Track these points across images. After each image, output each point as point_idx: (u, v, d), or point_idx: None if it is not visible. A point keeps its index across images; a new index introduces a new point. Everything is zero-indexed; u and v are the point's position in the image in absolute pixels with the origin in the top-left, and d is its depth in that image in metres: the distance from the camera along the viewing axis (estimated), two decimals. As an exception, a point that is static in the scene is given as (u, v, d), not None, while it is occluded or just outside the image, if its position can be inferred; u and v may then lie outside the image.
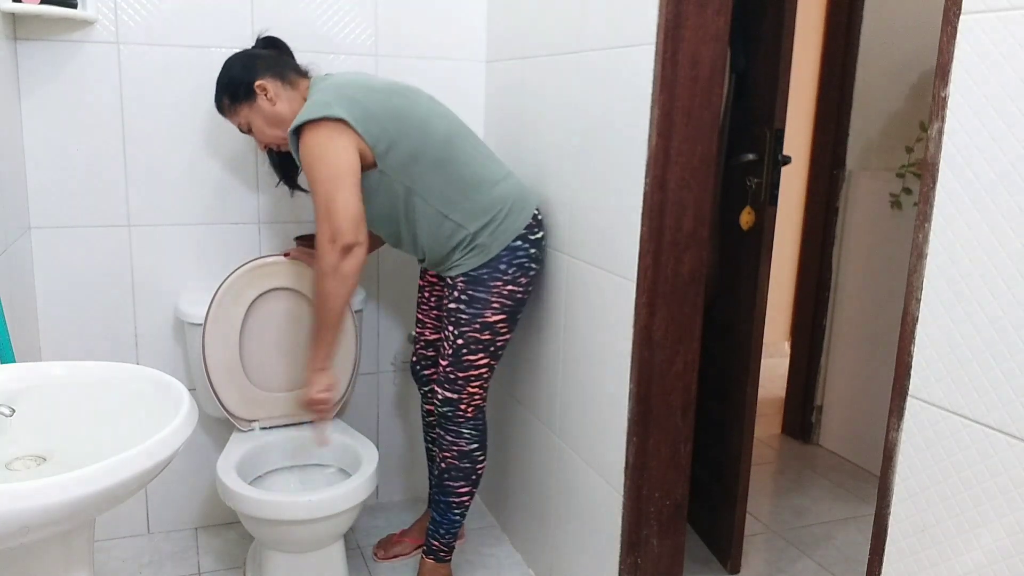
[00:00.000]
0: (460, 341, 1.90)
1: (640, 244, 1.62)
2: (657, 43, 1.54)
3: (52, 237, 2.09)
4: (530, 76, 2.08)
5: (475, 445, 2.00)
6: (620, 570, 1.76)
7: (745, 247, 2.13)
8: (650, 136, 1.57)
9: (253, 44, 1.96)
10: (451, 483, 2.01)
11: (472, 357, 1.91)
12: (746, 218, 2.08)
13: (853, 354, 2.97)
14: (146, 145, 2.12)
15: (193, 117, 2.14)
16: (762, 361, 2.18)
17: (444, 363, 1.94)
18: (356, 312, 2.21)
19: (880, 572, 1.16)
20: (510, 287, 1.87)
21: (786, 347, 3.80)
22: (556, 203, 1.95)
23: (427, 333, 2.15)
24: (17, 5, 1.83)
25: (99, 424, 1.29)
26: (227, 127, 2.17)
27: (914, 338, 1.08)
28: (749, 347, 2.13)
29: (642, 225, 1.61)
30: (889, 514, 1.13)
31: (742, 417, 2.16)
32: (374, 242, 2.07)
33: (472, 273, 1.86)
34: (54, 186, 2.07)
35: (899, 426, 1.11)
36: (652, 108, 1.56)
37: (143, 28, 2.06)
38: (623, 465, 1.72)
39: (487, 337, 1.90)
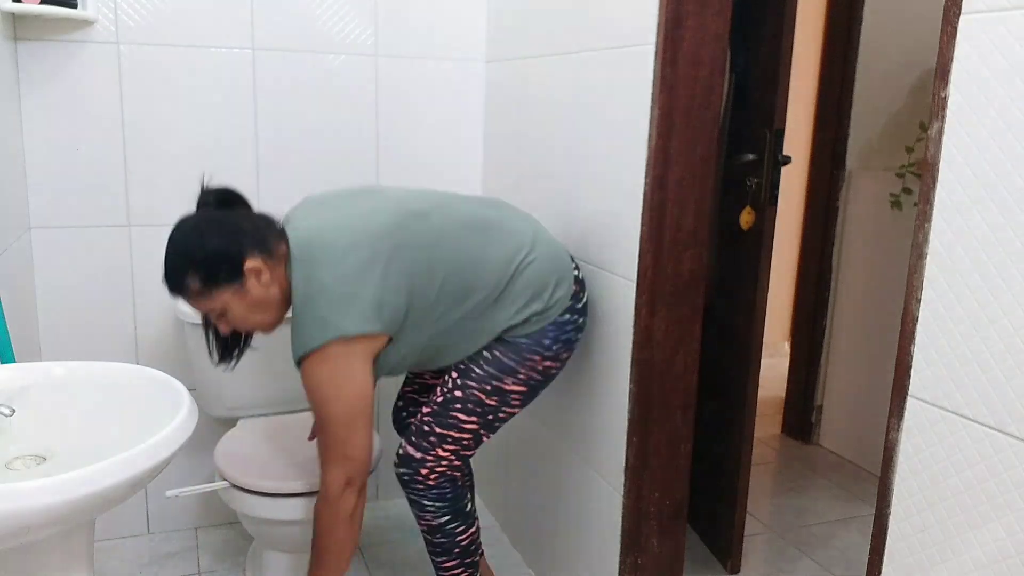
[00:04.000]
0: (459, 393, 1.59)
1: (640, 244, 1.62)
2: (657, 43, 1.54)
3: (52, 237, 2.09)
4: (530, 76, 2.08)
5: (446, 517, 1.67)
6: (620, 570, 1.75)
7: (745, 247, 2.13)
8: (650, 136, 1.57)
9: (198, 201, 1.59)
10: (435, 558, 1.74)
11: (462, 416, 1.60)
12: (746, 218, 2.08)
13: (853, 354, 2.97)
14: (146, 145, 2.12)
15: (193, 117, 2.14)
16: (762, 361, 2.18)
17: (426, 410, 1.63)
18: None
19: (880, 572, 1.16)
20: (548, 363, 1.60)
21: (786, 347, 3.79)
22: (556, 203, 1.95)
23: (427, 377, 1.90)
24: (17, 5, 1.83)
25: (99, 424, 1.29)
26: (227, 127, 2.18)
27: (914, 338, 1.08)
28: (749, 347, 2.13)
29: (642, 225, 1.61)
30: (889, 514, 1.13)
31: (742, 417, 2.16)
32: None
33: (508, 339, 1.58)
34: (54, 186, 2.07)
35: (899, 426, 1.11)
36: (652, 108, 1.56)
37: (143, 28, 2.06)
38: (623, 465, 1.72)
39: (492, 403, 1.60)
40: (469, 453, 1.65)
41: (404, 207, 1.57)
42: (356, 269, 1.45)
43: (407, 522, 2.45)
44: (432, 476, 1.62)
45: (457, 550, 1.71)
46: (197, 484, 2.00)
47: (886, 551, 1.14)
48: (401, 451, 1.65)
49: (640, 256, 1.62)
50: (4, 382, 1.28)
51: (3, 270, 1.75)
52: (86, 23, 2.01)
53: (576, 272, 1.67)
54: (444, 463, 1.62)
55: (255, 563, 2.06)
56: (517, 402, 1.61)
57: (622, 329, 1.69)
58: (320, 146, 2.27)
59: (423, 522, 1.68)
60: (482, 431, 1.62)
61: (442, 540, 1.69)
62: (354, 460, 1.47)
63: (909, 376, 1.09)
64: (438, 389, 1.63)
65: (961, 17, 0.99)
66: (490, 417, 1.61)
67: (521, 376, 1.58)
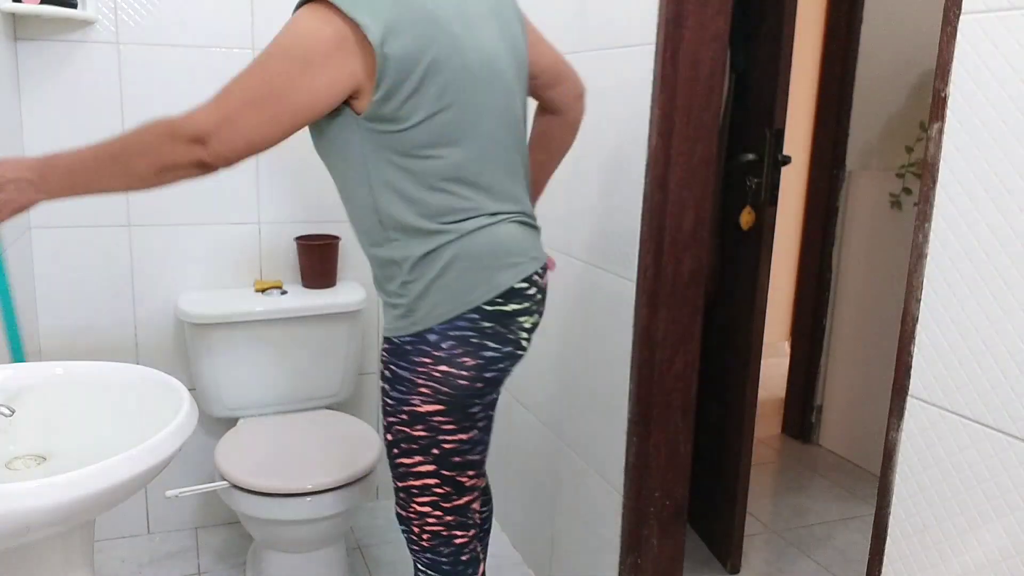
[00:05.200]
0: (389, 436, 1.36)
1: (640, 244, 1.62)
2: (657, 43, 1.54)
3: (52, 237, 2.09)
4: (530, 76, 2.08)
5: None
6: (620, 570, 1.75)
7: (745, 247, 2.13)
8: (650, 136, 1.57)
9: None
10: None
11: (407, 461, 1.35)
12: (746, 218, 2.08)
13: (853, 354, 2.97)
14: (146, 145, 2.12)
15: (193, 117, 2.14)
16: (762, 361, 2.18)
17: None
18: (355, 312, 2.21)
19: (880, 572, 1.16)
20: (444, 367, 1.28)
21: (786, 347, 3.79)
22: (556, 203, 1.95)
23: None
24: (17, 5, 1.83)
25: (99, 424, 1.29)
26: (227, 127, 2.17)
27: (914, 338, 1.08)
28: (749, 347, 2.13)
29: (642, 225, 1.61)
30: (889, 514, 1.13)
31: (742, 417, 2.16)
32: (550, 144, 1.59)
33: (394, 340, 1.31)
34: (54, 186, 2.06)
35: (899, 426, 1.11)
36: (652, 108, 1.56)
37: (143, 28, 2.06)
38: (623, 465, 1.72)
39: (423, 434, 1.31)
40: (457, 502, 1.38)
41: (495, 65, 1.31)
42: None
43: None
44: (425, 536, 1.40)
45: None
46: (197, 484, 2.01)
47: (886, 551, 1.14)
48: (395, 512, 1.47)
49: (640, 256, 1.62)
50: (4, 382, 1.28)
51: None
52: (86, 23, 2.01)
53: (515, 277, 1.32)
54: (430, 520, 1.39)
55: (255, 563, 2.06)
56: (450, 427, 1.31)
57: (622, 329, 1.69)
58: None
59: None
60: (445, 471, 1.34)
61: None
62: (228, 130, 1.19)
63: (909, 376, 1.09)
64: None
65: (961, 17, 0.99)
66: (436, 452, 1.33)
67: (424, 391, 1.29)
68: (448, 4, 1.25)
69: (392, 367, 1.31)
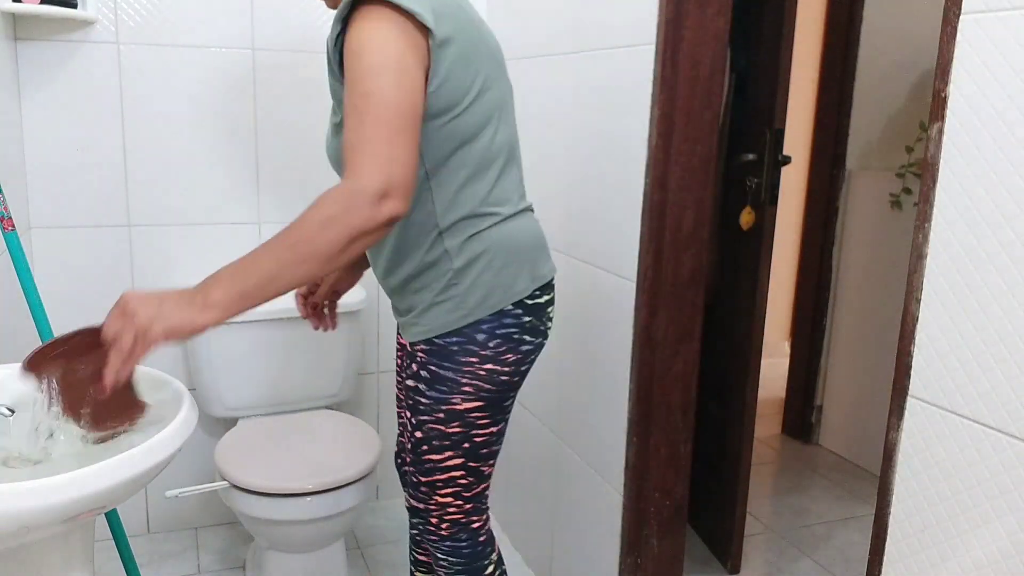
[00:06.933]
0: (419, 434, 1.37)
1: (640, 244, 1.62)
2: (657, 43, 1.54)
3: (52, 237, 2.09)
4: (529, 76, 2.08)
5: None
6: (620, 570, 1.75)
7: (745, 247, 2.13)
8: (650, 136, 1.57)
9: None
10: None
11: (436, 457, 1.38)
12: (746, 218, 2.08)
13: (853, 354, 2.97)
14: (146, 145, 2.12)
15: (193, 117, 2.14)
16: (762, 361, 2.19)
17: (409, 459, 1.43)
18: (356, 312, 2.21)
19: (880, 572, 1.16)
20: (489, 365, 1.32)
21: (786, 347, 3.80)
22: (556, 203, 1.95)
23: (407, 414, 1.53)
24: (17, 5, 1.83)
25: (99, 424, 1.29)
26: (227, 127, 2.17)
27: (914, 338, 1.08)
28: (749, 347, 2.13)
29: (642, 225, 1.61)
30: (889, 514, 1.13)
31: (742, 417, 2.16)
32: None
33: (437, 342, 1.32)
34: (54, 186, 2.07)
35: (899, 426, 1.11)
36: (652, 108, 1.56)
37: (143, 28, 2.06)
38: (623, 465, 1.72)
39: (457, 430, 1.35)
40: (476, 490, 1.43)
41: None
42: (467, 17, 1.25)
43: (407, 522, 2.45)
44: (444, 525, 1.43)
45: None
46: (197, 484, 2.01)
47: (886, 551, 1.14)
48: (406, 503, 1.49)
49: (640, 256, 1.62)
50: (4, 382, 1.28)
51: (3, 270, 1.75)
52: (86, 23, 2.01)
53: (551, 270, 1.41)
54: (451, 509, 1.42)
55: (255, 563, 2.06)
56: (485, 421, 1.36)
57: (622, 329, 1.69)
58: (321, 146, 2.27)
59: None
60: (472, 463, 1.39)
61: None
62: (398, 169, 1.11)
63: (909, 376, 1.09)
64: (405, 433, 1.44)
65: (961, 17, 0.99)
66: (466, 446, 1.37)
67: (467, 389, 1.32)
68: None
69: (432, 368, 1.33)
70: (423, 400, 1.35)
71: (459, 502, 1.42)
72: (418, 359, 1.35)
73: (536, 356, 1.40)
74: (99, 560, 2.21)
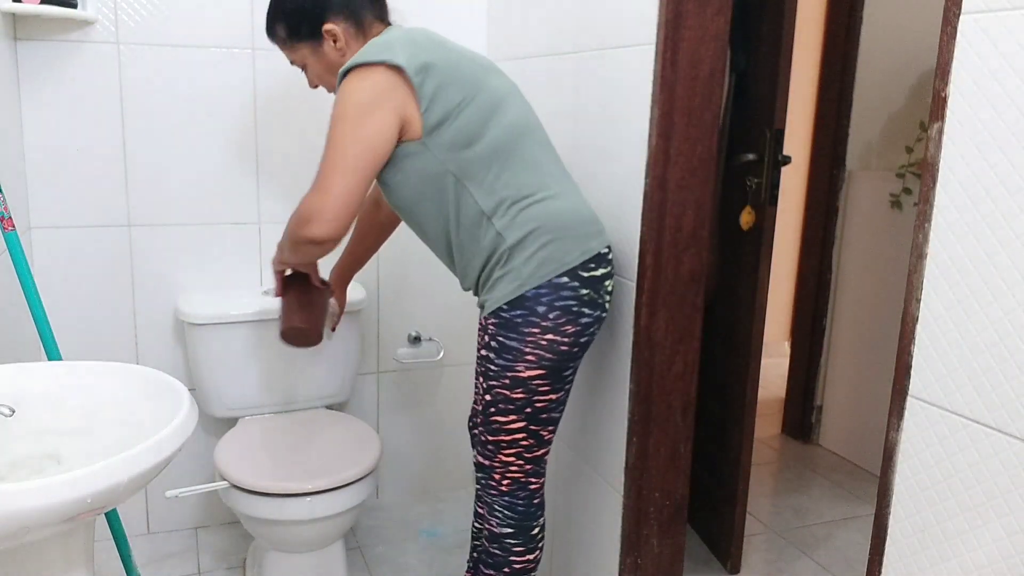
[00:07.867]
0: (488, 397, 1.56)
1: (640, 244, 1.62)
2: (657, 43, 1.54)
3: (52, 237, 2.09)
4: (530, 76, 2.08)
5: (508, 529, 1.62)
6: (620, 570, 1.76)
7: (745, 247, 2.13)
8: (650, 136, 1.57)
9: None
10: (484, 568, 1.67)
11: (502, 419, 1.56)
12: (746, 218, 2.08)
13: (853, 354, 2.97)
14: (146, 145, 2.12)
15: (193, 117, 2.14)
16: (762, 361, 2.18)
17: (479, 420, 1.64)
18: (356, 312, 2.21)
19: (880, 572, 1.16)
20: (550, 336, 1.49)
21: (786, 347, 3.80)
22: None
23: (480, 380, 1.76)
24: (17, 5, 1.83)
25: (99, 424, 1.29)
26: (227, 127, 2.17)
27: (914, 338, 1.08)
28: (749, 347, 2.13)
29: (642, 225, 1.61)
30: (889, 514, 1.13)
31: (742, 417, 2.16)
32: (381, 233, 1.97)
33: (504, 315, 1.51)
34: (54, 186, 2.07)
35: (899, 426, 1.11)
36: (652, 108, 1.56)
37: (143, 28, 2.06)
38: (623, 465, 1.72)
39: (520, 396, 1.53)
40: (537, 453, 1.60)
41: (510, 84, 1.60)
42: (438, 45, 1.50)
43: (407, 522, 2.45)
44: (505, 482, 1.61)
45: (507, 569, 1.63)
46: (197, 484, 2.01)
47: (886, 551, 1.14)
48: (474, 461, 1.67)
49: (640, 256, 1.62)
50: (4, 382, 1.28)
51: (3, 270, 1.75)
52: (86, 23, 2.01)
53: (605, 251, 1.56)
54: (513, 467, 1.60)
55: (255, 563, 2.06)
56: (545, 388, 1.53)
57: (622, 329, 1.69)
58: (321, 145, 2.27)
59: (488, 528, 1.65)
60: (532, 426, 1.56)
61: (497, 552, 1.63)
62: (327, 198, 1.41)
63: (909, 376, 1.09)
64: (477, 397, 1.63)
65: (961, 17, 0.99)
66: (528, 411, 1.54)
67: (530, 358, 1.50)
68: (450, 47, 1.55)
69: (500, 339, 1.52)
70: (492, 367, 1.54)
71: (520, 462, 1.59)
72: (489, 331, 1.54)
73: (596, 329, 1.56)
74: (99, 560, 2.21)
